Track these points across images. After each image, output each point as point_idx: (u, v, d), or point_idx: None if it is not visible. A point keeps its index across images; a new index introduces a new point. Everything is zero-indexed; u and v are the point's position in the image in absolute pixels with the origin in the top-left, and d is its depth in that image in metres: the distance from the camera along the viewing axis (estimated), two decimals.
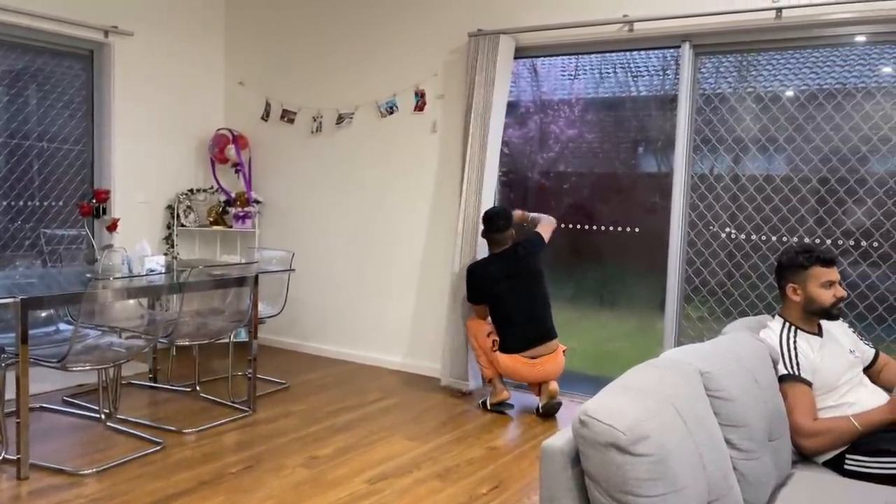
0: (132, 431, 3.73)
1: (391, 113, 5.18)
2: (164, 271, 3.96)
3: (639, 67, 4.55)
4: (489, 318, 4.34)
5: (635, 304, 4.65)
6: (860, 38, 3.77)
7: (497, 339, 4.27)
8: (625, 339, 4.70)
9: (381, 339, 5.34)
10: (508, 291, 4.19)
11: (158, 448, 3.53)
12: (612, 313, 4.77)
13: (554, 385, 4.19)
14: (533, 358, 4.12)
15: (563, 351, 4.25)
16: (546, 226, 4.45)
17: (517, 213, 4.51)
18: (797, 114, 3.99)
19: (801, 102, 3.99)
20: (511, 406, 4.36)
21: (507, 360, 4.17)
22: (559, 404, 4.22)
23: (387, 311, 5.30)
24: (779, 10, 3.81)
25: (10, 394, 3.31)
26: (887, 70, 3.78)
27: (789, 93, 4.02)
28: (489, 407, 4.30)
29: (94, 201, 4.49)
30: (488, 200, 4.62)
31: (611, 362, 4.68)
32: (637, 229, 4.54)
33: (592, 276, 4.81)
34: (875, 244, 3.80)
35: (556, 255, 4.78)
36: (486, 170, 4.56)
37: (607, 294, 4.78)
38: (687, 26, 4.08)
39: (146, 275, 3.83)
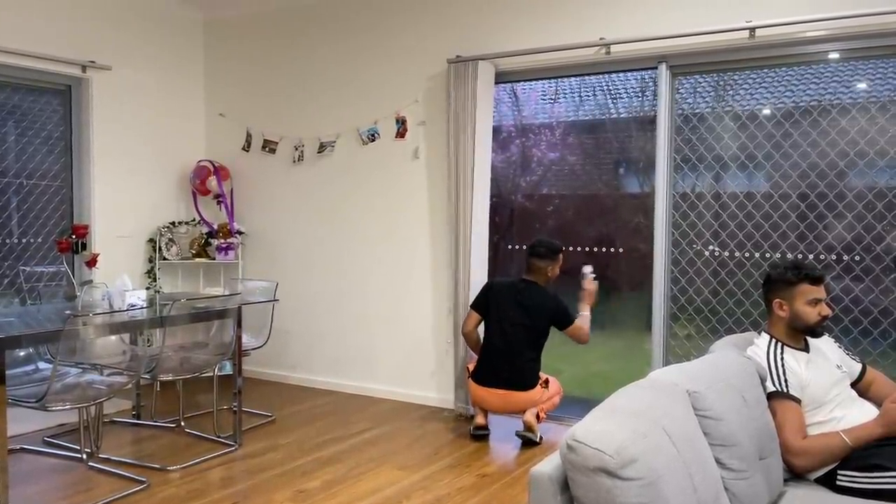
0: (115, 471, 3.65)
1: (373, 140, 5.18)
2: (145, 306, 3.91)
3: (617, 89, 4.58)
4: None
5: (622, 324, 4.64)
6: (834, 55, 3.83)
7: (470, 367, 4.25)
8: (613, 359, 4.68)
9: (368, 368, 5.29)
10: (501, 318, 4.13)
11: (143, 487, 3.45)
12: (599, 334, 4.75)
13: (527, 417, 4.09)
14: (500, 389, 4.08)
15: (545, 381, 4.14)
16: (580, 326, 4.15)
17: (589, 286, 4.22)
18: (774, 131, 4.03)
19: (778, 120, 4.03)
20: (485, 431, 4.24)
21: (475, 389, 4.16)
22: (532, 440, 4.11)
23: (373, 340, 5.26)
24: (752, 29, 3.86)
25: None
26: (861, 86, 3.83)
27: (766, 111, 4.06)
28: (471, 433, 4.26)
29: (72, 237, 4.45)
30: (481, 226, 4.60)
31: (600, 384, 4.66)
32: (621, 249, 4.54)
33: (578, 297, 4.78)
34: (857, 258, 3.82)
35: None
36: (475, 196, 4.55)
37: (593, 315, 4.76)
38: (663, 48, 4.13)
39: (127, 310, 3.78)
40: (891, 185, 3.75)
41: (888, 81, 3.77)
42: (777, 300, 2.65)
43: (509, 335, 4.08)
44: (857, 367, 2.76)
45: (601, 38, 4.28)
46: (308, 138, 5.47)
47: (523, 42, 4.56)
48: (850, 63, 3.83)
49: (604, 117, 4.66)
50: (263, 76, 5.68)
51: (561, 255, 4.22)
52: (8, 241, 4.86)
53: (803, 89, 3.97)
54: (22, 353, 3.91)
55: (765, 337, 2.68)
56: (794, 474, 2.49)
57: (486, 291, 4.25)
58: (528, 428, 4.09)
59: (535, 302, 4.10)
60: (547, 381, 4.17)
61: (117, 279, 4.02)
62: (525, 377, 4.06)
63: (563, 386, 4.33)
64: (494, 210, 4.87)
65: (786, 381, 2.51)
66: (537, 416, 4.12)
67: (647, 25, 4.18)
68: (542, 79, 4.71)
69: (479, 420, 4.24)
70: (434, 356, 4.96)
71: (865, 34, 3.66)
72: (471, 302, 4.35)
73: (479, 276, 4.59)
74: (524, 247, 4.85)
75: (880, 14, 3.54)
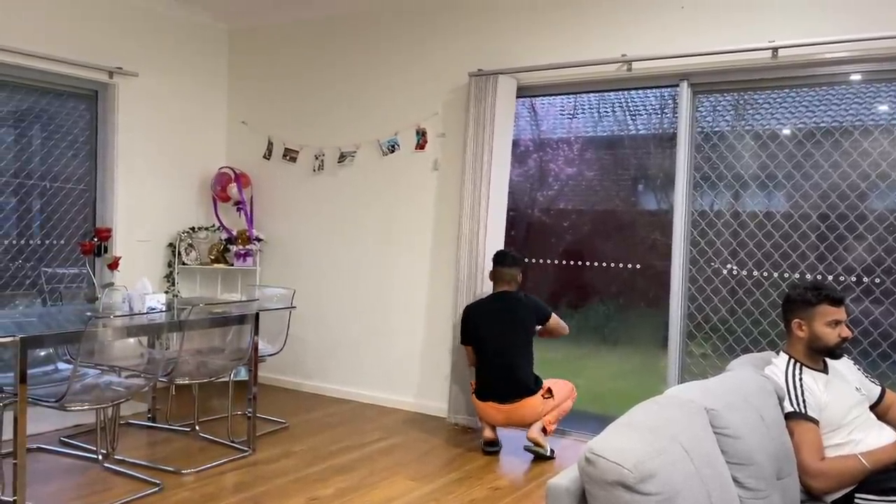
0: (130, 472, 3.68)
1: (392, 151, 5.22)
2: (164, 309, 3.95)
3: (636, 106, 4.60)
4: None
5: (638, 341, 4.63)
6: (856, 77, 3.82)
7: (474, 382, 4.26)
8: (628, 376, 4.67)
9: (383, 378, 5.30)
10: (489, 335, 4.14)
11: (156, 489, 3.47)
12: (614, 351, 4.74)
13: (532, 433, 4.07)
14: (503, 404, 4.07)
15: (547, 390, 4.10)
16: (558, 321, 4.29)
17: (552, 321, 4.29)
18: (795, 151, 4.02)
19: (798, 140, 4.02)
20: (494, 446, 4.22)
21: (479, 405, 4.17)
22: (542, 454, 4.09)
23: (389, 350, 5.27)
24: (775, 49, 3.87)
25: (6, 434, 3.27)
26: (883, 108, 3.82)
27: (787, 130, 4.06)
28: (482, 449, 4.25)
29: (95, 239, 4.50)
30: (496, 240, 4.62)
31: (615, 400, 4.64)
32: (638, 266, 4.54)
33: (594, 313, 4.79)
34: (877, 280, 3.80)
35: (558, 293, 4.78)
36: (491, 209, 4.57)
37: (609, 331, 4.77)
38: (685, 65, 4.14)
39: (146, 313, 3.82)
40: None
41: None
42: (796, 320, 2.64)
43: (500, 347, 4.09)
44: (877, 390, 2.74)
45: (623, 55, 4.30)
46: (329, 148, 5.52)
47: (545, 57, 4.59)
48: (873, 85, 3.83)
49: (622, 134, 4.67)
50: (286, 86, 5.74)
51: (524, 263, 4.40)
52: (31, 242, 4.93)
53: (824, 110, 3.97)
54: (42, 353, 3.96)
55: (783, 357, 2.67)
56: (812, 496, 2.48)
57: (465, 320, 4.28)
58: (535, 443, 4.08)
59: (517, 306, 4.17)
60: (550, 391, 4.12)
61: (137, 282, 4.07)
62: (524, 384, 4.04)
63: (579, 402, 4.30)
64: (511, 224, 4.89)
65: (804, 401, 2.50)
66: (544, 430, 4.11)
67: (669, 43, 4.19)
68: (562, 94, 4.74)
69: (488, 434, 4.22)
70: (448, 368, 4.96)
71: (888, 57, 3.65)
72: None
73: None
74: (542, 260, 4.86)
75: None
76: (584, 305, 4.82)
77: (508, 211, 4.72)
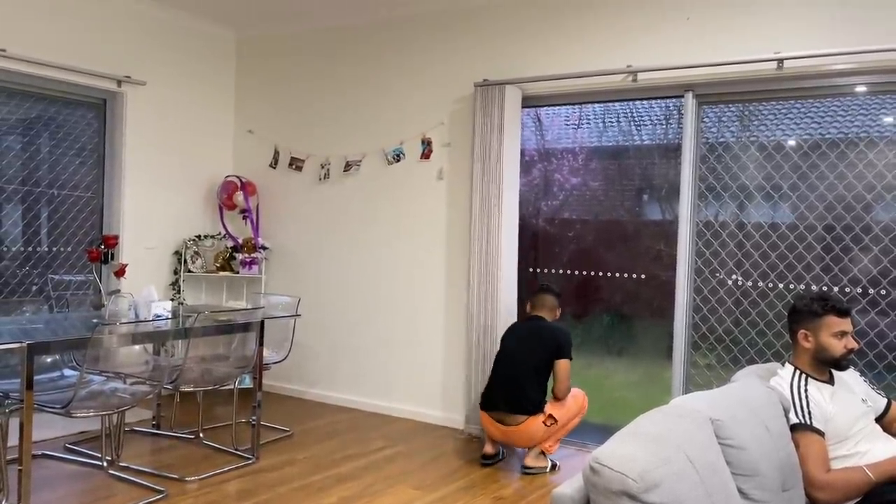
0: (134, 479, 3.69)
1: (398, 160, 5.24)
2: (170, 317, 3.96)
3: (641, 117, 4.61)
4: None
5: (642, 351, 4.62)
6: (861, 89, 3.83)
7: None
8: (633, 386, 4.66)
9: (387, 387, 5.30)
10: (508, 348, 4.14)
11: (161, 496, 3.48)
12: (619, 361, 4.74)
13: (528, 461, 4.06)
14: (499, 422, 4.04)
15: (549, 416, 4.00)
16: (566, 373, 4.08)
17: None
18: (800, 162, 4.03)
19: (804, 151, 4.03)
20: (492, 459, 4.17)
21: (482, 416, 4.15)
22: (542, 472, 4.06)
23: (393, 359, 5.27)
24: (780, 60, 3.88)
25: (11, 440, 3.28)
26: (888, 120, 3.82)
27: (792, 142, 4.07)
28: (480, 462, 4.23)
29: (102, 247, 4.52)
30: (509, 249, 4.62)
31: (619, 410, 4.63)
32: (643, 276, 4.54)
33: (599, 323, 4.79)
34: (883, 292, 3.80)
35: (563, 303, 4.76)
36: (503, 218, 4.58)
37: (614, 342, 4.76)
38: (690, 76, 4.15)
39: (152, 320, 3.83)
40: None
41: None
42: (802, 331, 2.63)
43: (513, 360, 4.06)
44: (883, 401, 2.74)
45: (628, 66, 4.32)
46: (335, 157, 5.54)
47: (550, 67, 4.61)
48: (878, 97, 3.83)
49: (627, 144, 4.68)
50: (292, 95, 5.77)
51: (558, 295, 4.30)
52: (38, 249, 4.96)
53: (830, 121, 3.97)
54: (48, 360, 3.97)
55: (789, 368, 2.67)
56: None
57: (501, 341, 4.27)
58: (526, 466, 4.05)
59: (544, 332, 4.11)
60: (552, 417, 4.01)
61: (143, 290, 4.08)
62: (524, 401, 3.97)
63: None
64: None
65: (810, 413, 2.49)
66: (543, 453, 4.09)
67: (674, 54, 4.21)
68: (567, 104, 4.75)
69: (487, 449, 4.19)
70: (452, 378, 4.96)
71: (894, 69, 3.66)
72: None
73: (507, 298, 4.60)
74: (546, 270, 4.87)
75: None
76: (588, 315, 4.82)
77: None
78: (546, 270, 4.89)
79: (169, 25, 5.51)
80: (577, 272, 4.76)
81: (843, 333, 2.57)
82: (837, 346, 2.57)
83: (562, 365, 4.06)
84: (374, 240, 5.36)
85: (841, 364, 2.59)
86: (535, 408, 3.98)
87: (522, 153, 4.84)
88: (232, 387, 4.60)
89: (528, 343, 4.09)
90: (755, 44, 3.98)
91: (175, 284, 5.61)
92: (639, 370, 4.65)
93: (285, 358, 4.84)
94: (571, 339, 4.13)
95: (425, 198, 5.12)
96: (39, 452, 4.01)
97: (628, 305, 4.64)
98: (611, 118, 4.70)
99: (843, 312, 2.59)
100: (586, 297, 4.79)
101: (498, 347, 4.26)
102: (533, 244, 4.98)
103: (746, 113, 4.22)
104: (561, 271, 4.83)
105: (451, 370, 4.98)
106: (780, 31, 3.92)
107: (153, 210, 5.46)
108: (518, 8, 4.75)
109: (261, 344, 4.15)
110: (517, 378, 4.02)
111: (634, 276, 4.57)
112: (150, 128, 5.40)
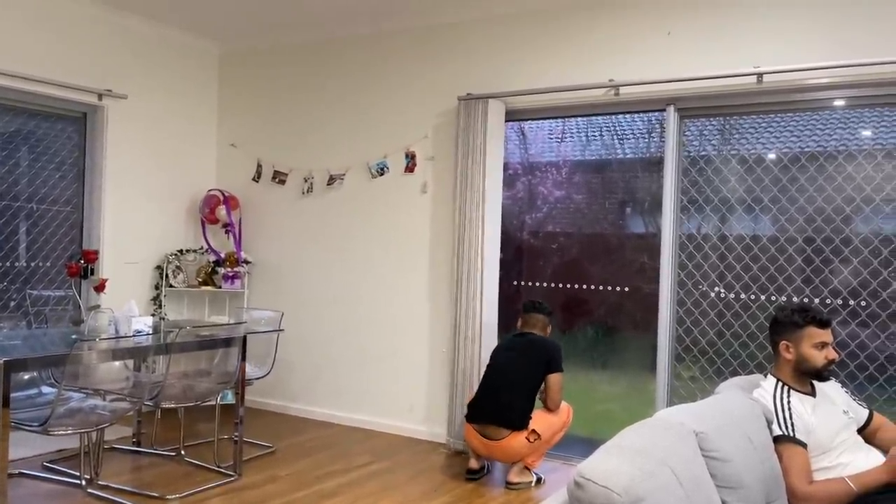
0: (114, 498, 3.62)
1: (382, 174, 5.23)
2: (151, 332, 3.91)
3: (624, 130, 4.64)
4: None
5: (626, 364, 4.63)
6: (840, 102, 3.88)
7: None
8: (616, 399, 4.66)
9: (370, 402, 5.26)
10: (497, 361, 4.12)
11: None
12: (603, 373, 4.74)
13: (511, 477, 4.03)
14: (483, 435, 4.02)
15: (531, 432, 3.96)
16: (558, 386, 4.10)
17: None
18: (781, 175, 4.07)
19: (784, 164, 4.07)
20: (476, 474, 4.15)
21: (466, 428, 4.12)
22: (526, 487, 4.05)
23: (377, 373, 5.24)
24: (760, 75, 3.93)
25: None
26: (867, 133, 3.87)
27: (772, 155, 4.11)
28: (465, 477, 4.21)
29: (82, 261, 4.47)
30: (491, 263, 4.62)
31: (603, 423, 4.63)
32: (627, 289, 4.56)
33: (583, 336, 4.80)
34: (863, 303, 3.83)
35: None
36: (485, 232, 4.58)
37: (598, 355, 4.77)
38: (672, 90, 4.19)
39: (133, 336, 3.79)
40: None
41: (894, 129, 3.81)
42: (784, 342, 2.65)
43: (500, 372, 4.05)
44: (864, 412, 2.75)
45: (610, 80, 4.35)
46: (318, 170, 5.53)
47: (533, 81, 4.63)
48: (856, 110, 3.89)
49: (610, 157, 4.71)
50: (276, 108, 5.76)
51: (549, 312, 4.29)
52: (17, 264, 4.90)
53: (809, 135, 4.02)
54: (26, 377, 3.91)
55: (771, 380, 2.68)
56: None
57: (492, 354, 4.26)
58: (509, 482, 4.03)
59: (534, 346, 4.09)
60: (535, 433, 3.98)
61: (124, 305, 4.04)
62: (511, 414, 3.94)
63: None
64: (500, 246, 4.90)
65: (792, 424, 2.50)
66: (527, 468, 4.08)
67: (655, 68, 4.24)
68: (550, 118, 4.78)
69: (472, 464, 4.17)
70: (436, 391, 4.94)
71: (871, 82, 3.71)
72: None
73: (489, 311, 4.59)
74: (531, 283, 4.87)
75: (886, 63, 3.60)
76: (572, 328, 4.83)
77: None
78: (531, 284, 4.89)
79: (150, 38, 5.49)
80: (561, 285, 4.77)
81: (823, 344, 2.59)
82: (818, 357, 2.59)
83: (554, 378, 4.07)
84: (358, 254, 5.34)
85: (822, 375, 2.61)
86: (522, 421, 3.96)
87: (506, 166, 4.86)
88: (214, 403, 4.55)
89: (519, 356, 4.08)
90: (735, 58, 4.02)
91: (156, 299, 5.55)
92: (623, 383, 4.66)
93: (268, 373, 4.80)
94: (562, 352, 4.12)
95: (409, 211, 5.11)
96: (16, 471, 3.94)
97: (612, 318, 4.65)
98: (594, 132, 4.73)
99: (824, 323, 2.61)
100: (570, 310, 4.79)
101: (481, 361, 4.24)
102: (517, 257, 4.98)
103: (727, 126, 4.26)
104: (545, 284, 4.83)
105: (434, 384, 4.96)
106: (759, 45, 3.98)
107: (134, 224, 5.40)
108: (501, 22, 4.78)
109: (243, 359, 4.11)
110: (506, 390, 4.00)
111: (618, 288, 4.58)
112: (131, 141, 5.36)
